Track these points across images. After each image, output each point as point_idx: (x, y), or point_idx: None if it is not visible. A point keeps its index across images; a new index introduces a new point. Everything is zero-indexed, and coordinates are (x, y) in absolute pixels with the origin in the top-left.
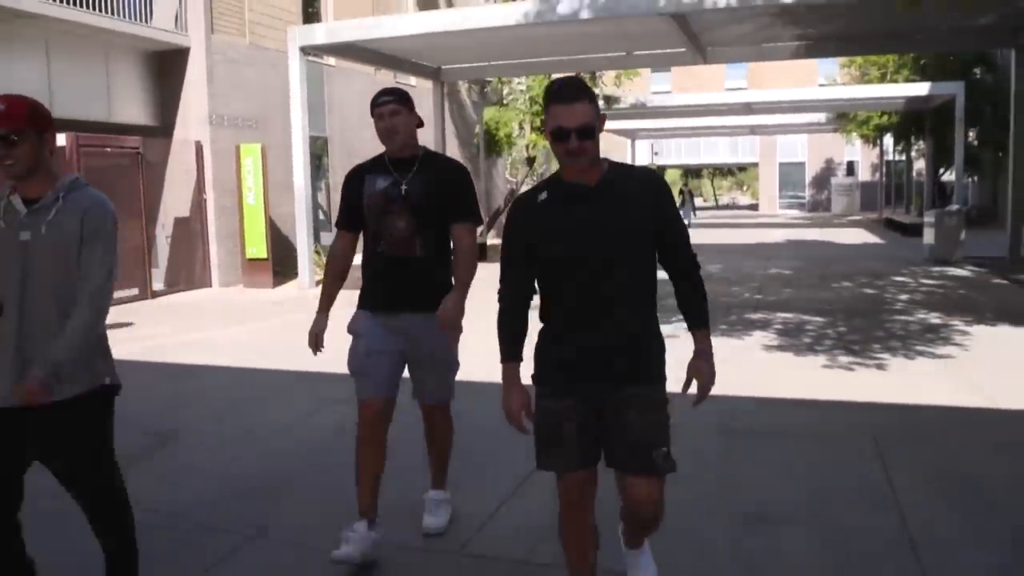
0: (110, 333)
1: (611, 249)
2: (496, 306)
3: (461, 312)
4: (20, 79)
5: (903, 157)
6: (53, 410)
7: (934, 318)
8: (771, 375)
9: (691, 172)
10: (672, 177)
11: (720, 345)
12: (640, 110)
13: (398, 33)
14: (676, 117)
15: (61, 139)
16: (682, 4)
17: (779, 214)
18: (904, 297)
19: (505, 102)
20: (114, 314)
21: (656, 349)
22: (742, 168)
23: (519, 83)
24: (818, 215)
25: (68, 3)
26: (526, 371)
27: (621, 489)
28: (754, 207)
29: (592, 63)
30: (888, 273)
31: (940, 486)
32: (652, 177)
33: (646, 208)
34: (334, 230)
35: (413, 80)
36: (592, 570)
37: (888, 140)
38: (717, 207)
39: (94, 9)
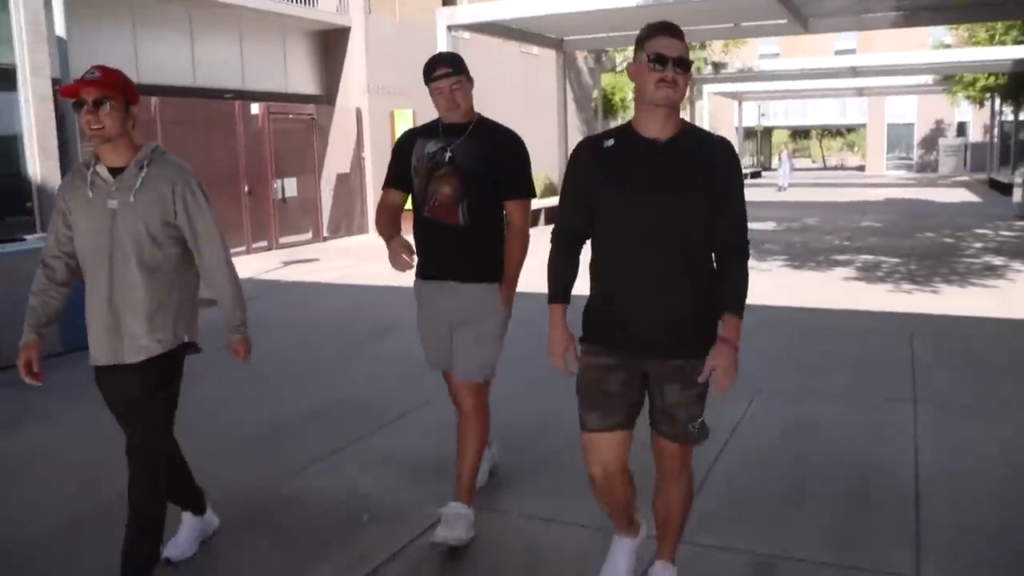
0: (305, 267)
1: (670, 209)
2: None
3: (511, 300)
4: (219, 58)
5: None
6: (139, 367)
7: (997, 261)
8: (843, 297)
9: (798, 133)
10: (779, 139)
11: (804, 277)
12: (746, 75)
13: (531, 13)
14: (782, 80)
15: (255, 107)
16: None
17: (885, 175)
18: (978, 245)
19: (619, 69)
20: (298, 253)
21: (706, 322)
22: (851, 129)
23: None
24: (924, 176)
25: None
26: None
27: (654, 441)
28: (861, 168)
29: (701, 34)
30: (972, 226)
31: (948, 357)
32: (725, 146)
33: (712, 175)
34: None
35: (536, 49)
36: (631, 513)
37: (999, 101)
38: (825, 168)
39: None
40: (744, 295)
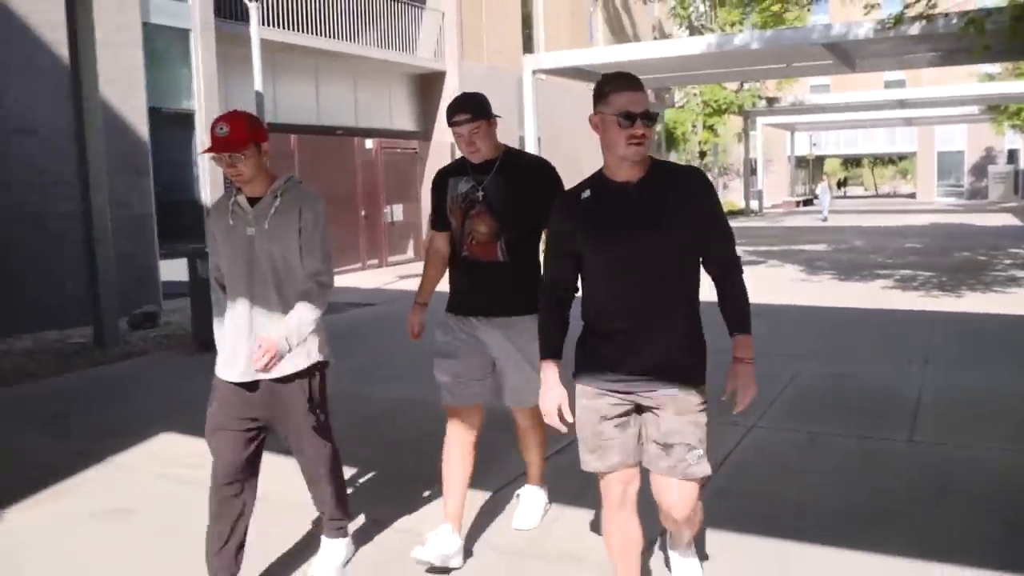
0: (418, 280)
1: (652, 248)
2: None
3: None
4: (337, 101)
5: None
6: (277, 383)
7: (1021, 273)
8: (880, 299)
9: (850, 161)
10: (831, 167)
11: (849, 286)
12: (798, 108)
13: (609, 60)
14: (832, 112)
15: (369, 143)
16: (831, 36)
17: (936, 202)
18: (1007, 262)
19: (679, 105)
20: (404, 269)
21: (697, 351)
22: (903, 157)
23: (692, 88)
24: (973, 203)
25: (366, 44)
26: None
27: (655, 489)
28: (913, 196)
29: (756, 74)
30: (1007, 247)
31: (959, 338)
32: (696, 174)
33: (688, 205)
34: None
35: None
36: (637, 570)
37: None
38: (876, 195)
39: (382, 47)
40: (748, 311)
